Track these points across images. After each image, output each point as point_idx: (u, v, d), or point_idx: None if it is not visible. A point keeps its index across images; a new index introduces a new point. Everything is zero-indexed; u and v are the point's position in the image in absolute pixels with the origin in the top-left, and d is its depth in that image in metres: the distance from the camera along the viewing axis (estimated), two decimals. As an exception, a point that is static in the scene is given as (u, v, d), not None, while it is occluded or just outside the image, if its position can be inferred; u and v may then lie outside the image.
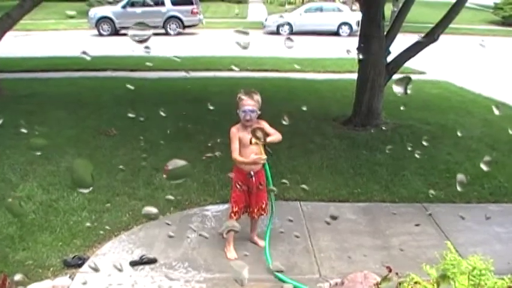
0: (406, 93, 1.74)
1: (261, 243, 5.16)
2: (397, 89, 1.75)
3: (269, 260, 4.80)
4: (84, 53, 1.95)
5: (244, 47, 1.55)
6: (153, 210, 1.85)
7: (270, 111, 4.77)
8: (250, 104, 4.67)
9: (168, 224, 5.75)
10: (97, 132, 8.66)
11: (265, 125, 4.70)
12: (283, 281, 4.59)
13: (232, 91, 5.18)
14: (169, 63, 13.20)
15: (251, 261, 4.89)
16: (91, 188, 1.54)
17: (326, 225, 5.74)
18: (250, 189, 4.94)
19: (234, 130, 4.76)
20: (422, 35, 9.79)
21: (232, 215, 4.98)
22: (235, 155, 4.77)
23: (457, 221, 5.73)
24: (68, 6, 37.79)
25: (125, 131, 8.46)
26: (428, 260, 3.97)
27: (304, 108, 2.13)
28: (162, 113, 2.33)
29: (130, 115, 2.57)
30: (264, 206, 5.10)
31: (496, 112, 1.76)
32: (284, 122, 2.15)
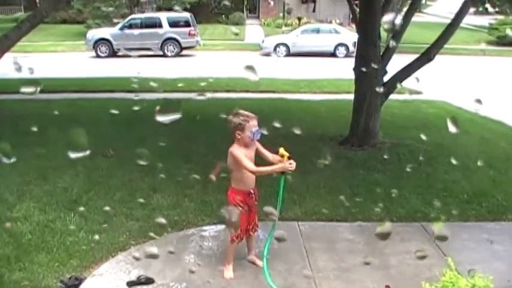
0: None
1: (259, 262, 5.13)
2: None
3: (267, 277, 4.75)
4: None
5: (254, 80, 1.74)
6: (154, 250, 1.89)
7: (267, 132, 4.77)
8: (256, 124, 4.67)
9: (166, 245, 5.72)
10: (94, 153, 8.64)
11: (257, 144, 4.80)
12: None
13: (228, 112, 5.19)
14: (168, 85, 13.26)
15: (248, 281, 4.88)
16: (87, 152, 1.56)
17: (324, 245, 5.73)
18: (250, 208, 4.93)
19: (236, 150, 4.71)
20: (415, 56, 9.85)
21: (234, 238, 4.95)
22: (255, 168, 4.70)
23: (456, 240, 5.73)
24: (66, 28, 38.15)
25: (122, 151, 8.46)
26: (427, 279, 3.96)
27: (298, 132, 2.12)
28: (161, 141, 2.37)
29: (161, 144, 2.62)
30: (256, 220, 5.12)
31: (452, 129, 1.77)
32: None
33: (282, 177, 4.72)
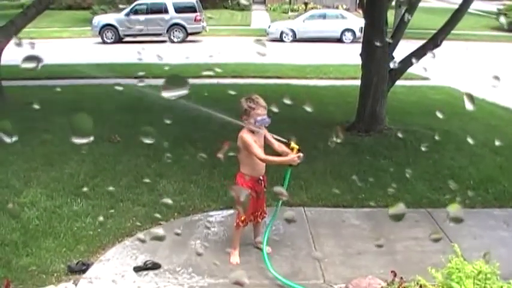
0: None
1: (267, 248, 5.14)
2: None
3: (268, 265, 4.77)
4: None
5: (262, 55, 1.74)
6: (160, 232, 1.87)
7: (273, 118, 4.76)
8: (264, 113, 4.66)
9: (172, 230, 5.74)
10: (101, 139, 8.66)
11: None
12: (287, 285, 4.58)
13: (235, 98, 5.18)
14: (172, 70, 13.21)
15: (254, 267, 4.90)
16: (91, 138, 1.54)
17: (330, 230, 5.74)
18: (258, 194, 4.94)
19: (246, 135, 4.71)
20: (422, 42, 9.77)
21: (240, 222, 4.96)
22: (264, 155, 4.74)
23: (462, 226, 5.70)
24: (72, 14, 38.10)
25: (128, 137, 8.46)
26: (433, 265, 3.95)
27: (309, 109, 2.09)
28: (167, 120, 2.32)
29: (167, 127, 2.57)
30: (264, 207, 5.14)
31: (469, 106, 1.72)
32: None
33: (288, 170, 4.77)
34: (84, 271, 4.84)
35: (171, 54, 19.64)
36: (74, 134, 1.46)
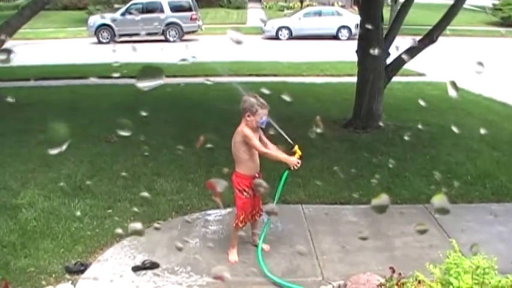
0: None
1: (265, 246, 5.15)
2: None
3: (263, 265, 4.78)
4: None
5: (238, 42, 1.63)
6: (137, 226, 1.84)
7: (270, 115, 4.77)
8: (266, 113, 4.68)
9: (170, 229, 5.73)
10: (98, 139, 8.65)
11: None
12: (280, 284, 4.59)
13: (231, 96, 5.18)
14: (168, 70, 13.19)
15: (253, 264, 4.89)
16: (64, 147, 1.53)
17: (328, 227, 5.74)
18: (255, 192, 4.94)
19: (246, 129, 4.72)
20: (417, 38, 9.78)
21: (239, 223, 4.96)
22: (263, 149, 4.77)
23: (459, 221, 5.74)
24: (67, 14, 38.01)
25: (125, 137, 8.43)
26: (431, 260, 3.96)
27: (288, 99, 2.09)
28: (164, 126, 2.32)
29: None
30: (261, 205, 5.15)
31: (452, 93, 1.74)
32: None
33: (285, 172, 4.80)
34: (82, 271, 4.83)
35: (168, 53, 19.62)
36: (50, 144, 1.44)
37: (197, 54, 17.47)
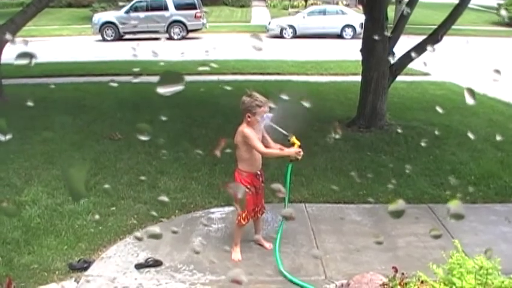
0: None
1: (267, 245, 5.15)
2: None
3: (279, 262, 4.79)
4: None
5: (259, 49, 1.66)
6: (156, 229, 1.87)
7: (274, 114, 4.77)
8: (268, 110, 4.67)
9: (173, 227, 5.74)
10: (101, 137, 8.67)
11: None
12: (292, 281, 4.59)
13: (235, 95, 5.18)
14: (174, 67, 13.18)
15: (256, 263, 4.90)
16: (85, 199, 1.53)
17: (331, 226, 5.74)
18: (257, 190, 4.95)
19: (247, 129, 4.72)
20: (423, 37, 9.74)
21: (242, 220, 4.96)
22: (264, 149, 4.76)
23: (463, 222, 5.69)
24: (72, 12, 38.07)
25: (129, 135, 8.47)
26: (434, 260, 3.95)
27: (307, 105, 2.08)
28: (164, 117, 2.32)
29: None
30: (263, 203, 5.15)
31: (470, 101, 1.73)
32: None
33: (289, 165, 4.77)
34: (85, 269, 4.84)
35: (169, 51, 19.64)
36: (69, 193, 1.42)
37: (201, 52, 17.49)
